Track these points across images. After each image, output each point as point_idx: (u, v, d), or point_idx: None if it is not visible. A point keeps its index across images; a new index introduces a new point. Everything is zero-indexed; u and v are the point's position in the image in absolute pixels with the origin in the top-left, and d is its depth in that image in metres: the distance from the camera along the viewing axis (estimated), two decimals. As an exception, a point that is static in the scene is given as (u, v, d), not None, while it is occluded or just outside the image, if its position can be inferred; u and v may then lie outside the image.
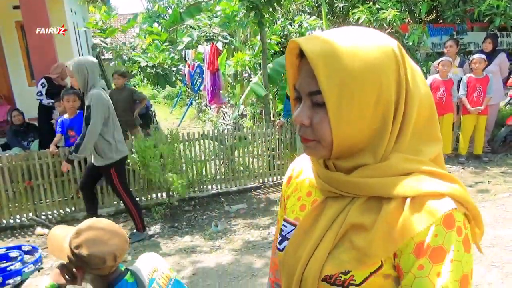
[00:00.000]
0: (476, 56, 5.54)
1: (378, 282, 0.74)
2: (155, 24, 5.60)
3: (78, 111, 4.42)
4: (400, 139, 0.76)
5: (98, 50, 9.72)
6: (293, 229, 0.88)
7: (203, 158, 5.15)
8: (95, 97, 3.48)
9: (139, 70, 4.09)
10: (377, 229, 0.72)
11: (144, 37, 6.09)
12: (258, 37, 5.96)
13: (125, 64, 4.31)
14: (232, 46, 6.88)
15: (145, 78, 4.03)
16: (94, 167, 3.82)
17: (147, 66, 3.75)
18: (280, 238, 0.90)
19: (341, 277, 0.75)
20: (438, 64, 5.59)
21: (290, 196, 0.95)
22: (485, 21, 5.95)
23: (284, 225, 0.92)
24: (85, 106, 3.53)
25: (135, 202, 4.04)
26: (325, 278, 0.76)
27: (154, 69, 3.87)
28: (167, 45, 4.76)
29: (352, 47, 0.73)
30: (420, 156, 0.77)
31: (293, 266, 0.83)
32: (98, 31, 5.02)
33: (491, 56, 5.78)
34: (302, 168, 0.96)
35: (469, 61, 5.67)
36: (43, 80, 5.50)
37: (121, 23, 11.90)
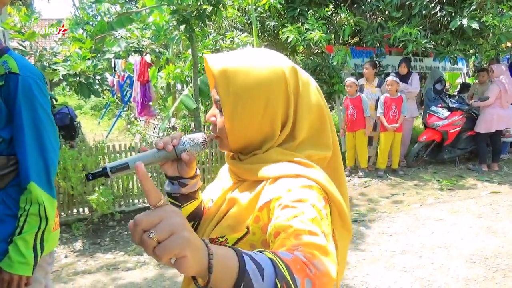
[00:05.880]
0: (389, 78, 6.03)
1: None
2: (80, 31, 5.36)
3: None
4: (290, 142, 0.94)
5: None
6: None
7: (129, 171, 4.96)
8: None
9: (61, 78, 3.88)
10: (246, 201, 0.91)
11: (70, 44, 5.81)
12: (190, 51, 5.96)
13: (45, 71, 4.06)
14: (160, 59, 6.80)
15: (68, 87, 3.81)
16: None
17: (68, 74, 3.56)
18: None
19: (218, 240, 0.93)
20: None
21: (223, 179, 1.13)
22: (400, 46, 6.51)
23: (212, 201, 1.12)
24: None
25: None
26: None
27: (77, 78, 3.69)
28: (93, 54, 4.58)
29: (247, 67, 0.89)
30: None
31: (202, 232, 1.02)
32: (16, 32, 4.69)
33: (405, 78, 6.36)
34: None
35: (385, 83, 6.16)
36: None
37: (46, 27, 11.22)
